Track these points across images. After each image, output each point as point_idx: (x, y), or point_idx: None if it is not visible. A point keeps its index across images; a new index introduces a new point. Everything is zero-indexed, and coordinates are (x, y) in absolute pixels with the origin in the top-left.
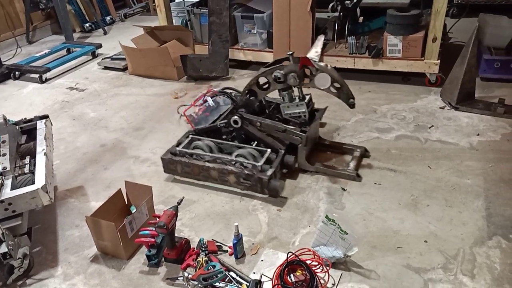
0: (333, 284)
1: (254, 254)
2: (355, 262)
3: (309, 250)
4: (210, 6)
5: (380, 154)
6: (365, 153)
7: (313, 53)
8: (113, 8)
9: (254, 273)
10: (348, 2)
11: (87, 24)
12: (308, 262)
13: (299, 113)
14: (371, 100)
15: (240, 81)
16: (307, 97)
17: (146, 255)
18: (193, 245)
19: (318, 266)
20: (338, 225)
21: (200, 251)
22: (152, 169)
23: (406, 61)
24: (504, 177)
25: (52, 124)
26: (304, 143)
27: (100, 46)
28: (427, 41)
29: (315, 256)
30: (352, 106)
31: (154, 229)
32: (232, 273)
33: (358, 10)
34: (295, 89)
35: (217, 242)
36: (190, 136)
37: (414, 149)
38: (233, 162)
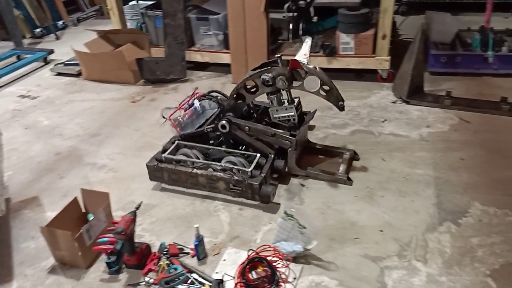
0: (294, 278)
1: (216, 254)
2: (315, 255)
3: (270, 247)
4: (164, 9)
5: None
6: (354, 156)
7: (302, 55)
8: (65, 12)
9: (216, 273)
10: (302, 2)
11: (38, 30)
12: (269, 258)
13: (288, 116)
14: None
15: (198, 82)
16: (296, 100)
17: (106, 263)
18: (155, 249)
19: (279, 262)
20: (297, 220)
21: (162, 255)
22: (110, 175)
23: (358, 58)
24: (452, 166)
25: (2, 134)
26: (294, 147)
27: (52, 51)
28: (377, 38)
29: (276, 252)
30: (341, 108)
31: (112, 235)
32: (194, 275)
33: (312, 10)
34: (284, 93)
35: (179, 245)
36: (176, 142)
37: (368, 143)
38: (222, 168)
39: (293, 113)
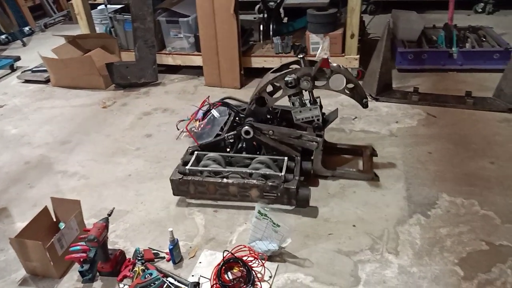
0: (270, 277)
1: (192, 257)
2: (290, 252)
3: (245, 247)
4: (133, 12)
5: None
6: (373, 152)
7: (322, 54)
8: (31, 18)
9: (192, 276)
10: (272, 3)
11: (3, 36)
12: (244, 258)
13: (312, 117)
14: None
15: (170, 86)
16: (318, 101)
17: (79, 271)
18: (129, 255)
19: (254, 261)
20: (270, 219)
21: (137, 261)
22: (82, 182)
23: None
24: (420, 159)
25: None
26: (321, 148)
27: (18, 58)
28: (346, 38)
29: (251, 252)
30: (365, 106)
31: (85, 243)
32: (170, 279)
33: (282, 11)
34: (305, 93)
35: (154, 249)
36: (196, 152)
37: (340, 140)
38: (252, 174)
39: (317, 113)
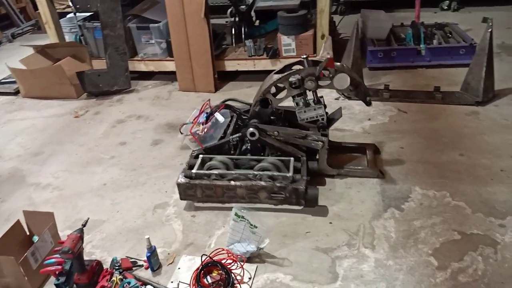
0: (250, 278)
1: (171, 263)
2: (269, 253)
3: (223, 250)
4: (102, 20)
5: None
6: (376, 149)
7: (325, 55)
8: None
9: (172, 282)
10: (243, 7)
11: None
12: (223, 261)
13: (317, 116)
14: None
15: (144, 92)
16: (322, 100)
17: (55, 284)
18: (107, 265)
19: (233, 264)
20: (248, 220)
21: (114, 270)
22: (56, 194)
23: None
24: (393, 155)
25: None
26: (326, 147)
27: None
28: (316, 38)
29: (229, 254)
30: (369, 103)
31: (59, 256)
32: (149, 287)
33: (253, 14)
34: (308, 93)
35: (131, 258)
36: (201, 156)
37: None
38: (260, 176)
39: (321, 112)
